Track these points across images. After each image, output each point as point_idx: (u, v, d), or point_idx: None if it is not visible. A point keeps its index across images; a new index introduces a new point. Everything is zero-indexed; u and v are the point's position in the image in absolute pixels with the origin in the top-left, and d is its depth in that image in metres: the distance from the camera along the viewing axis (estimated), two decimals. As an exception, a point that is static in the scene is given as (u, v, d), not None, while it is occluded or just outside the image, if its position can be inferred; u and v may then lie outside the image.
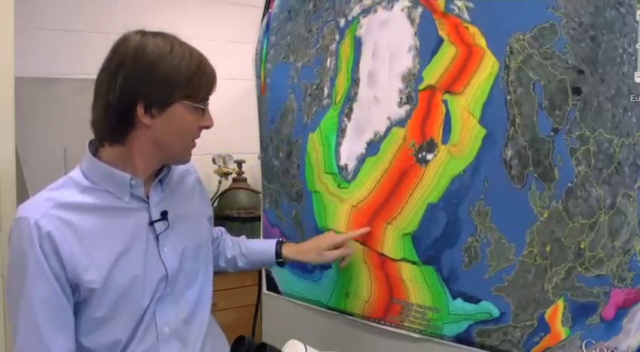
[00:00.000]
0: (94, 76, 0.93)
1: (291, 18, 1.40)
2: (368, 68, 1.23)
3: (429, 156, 1.12)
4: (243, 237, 1.29)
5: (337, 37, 1.28)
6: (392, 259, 1.20)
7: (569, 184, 0.99)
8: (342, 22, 1.27)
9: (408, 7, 1.15)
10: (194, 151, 1.00)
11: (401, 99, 1.17)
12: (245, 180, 2.43)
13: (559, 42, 0.98)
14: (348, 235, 1.24)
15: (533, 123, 1.01)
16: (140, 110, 0.89)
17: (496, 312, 1.08)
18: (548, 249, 1.02)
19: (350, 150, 1.26)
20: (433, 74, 1.12)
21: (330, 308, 1.36)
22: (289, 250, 1.23)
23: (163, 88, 0.89)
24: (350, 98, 1.26)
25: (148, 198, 0.97)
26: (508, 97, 1.03)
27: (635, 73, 0.96)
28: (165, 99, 0.90)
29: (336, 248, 1.21)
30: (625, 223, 0.98)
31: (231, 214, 2.31)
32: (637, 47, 0.96)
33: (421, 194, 1.14)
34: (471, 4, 1.06)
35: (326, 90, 1.31)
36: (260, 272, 1.56)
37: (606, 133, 0.97)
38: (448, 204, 1.11)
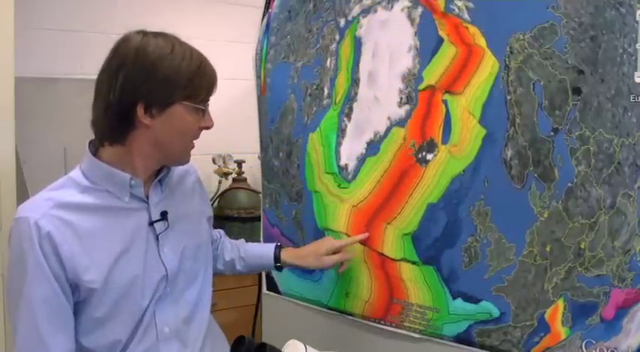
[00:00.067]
0: (94, 76, 0.93)
1: (291, 18, 1.40)
2: (368, 68, 1.23)
3: (429, 156, 1.12)
4: (242, 241, 1.29)
5: (337, 37, 1.28)
6: (392, 259, 1.20)
7: (569, 184, 0.99)
8: (342, 22, 1.28)
9: (408, 7, 1.15)
10: (194, 151, 1.00)
11: (401, 99, 1.17)
12: (245, 180, 2.44)
13: (559, 42, 0.98)
14: (347, 240, 1.24)
15: (533, 123, 1.01)
16: (140, 110, 0.89)
17: (496, 312, 1.08)
18: (548, 249, 1.02)
19: (350, 150, 1.26)
20: (433, 74, 1.12)
21: (330, 308, 1.36)
22: (288, 255, 1.23)
23: (164, 89, 0.89)
24: (350, 98, 1.26)
25: (147, 198, 0.97)
26: (508, 97, 1.03)
27: (635, 73, 0.96)
28: (165, 99, 0.90)
29: (334, 253, 1.21)
30: (625, 223, 0.98)
31: (231, 214, 2.31)
32: (637, 47, 0.96)
33: (421, 194, 1.14)
34: (471, 4, 1.07)
35: (326, 90, 1.31)
36: (260, 272, 1.56)
37: (606, 133, 0.97)
38: (448, 204, 1.11)
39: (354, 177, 1.25)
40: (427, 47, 1.12)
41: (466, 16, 1.07)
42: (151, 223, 0.97)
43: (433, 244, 1.14)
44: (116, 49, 0.91)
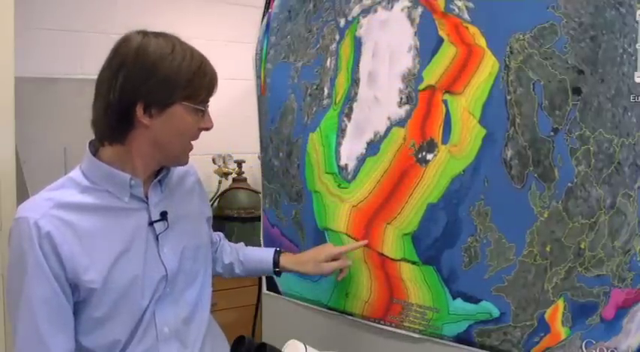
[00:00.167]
0: (94, 76, 0.93)
1: (291, 18, 1.40)
2: (368, 68, 1.23)
3: (429, 156, 1.12)
4: (241, 244, 1.29)
5: (337, 37, 1.28)
6: (392, 259, 1.20)
7: (569, 184, 0.99)
8: (342, 22, 1.28)
9: (408, 7, 1.15)
10: (194, 151, 1.00)
11: (401, 99, 1.17)
12: (245, 180, 2.44)
13: (559, 42, 0.98)
14: (346, 247, 1.24)
15: (533, 123, 1.01)
16: (139, 110, 0.89)
17: (496, 312, 1.08)
18: (548, 249, 1.02)
19: (350, 150, 1.26)
20: (433, 74, 1.12)
21: (330, 308, 1.36)
22: (287, 260, 1.23)
23: (163, 89, 0.89)
24: (350, 98, 1.26)
25: (147, 198, 0.97)
26: (508, 97, 1.03)
27: (635, 73, 0.96)
28: (165, 99, 0.90)
29: (333, 259, 1.21)
30: (625, 223, 0.98)
31: (231, 214, 2.31)
32: (637, 47, 0.96)
33: (421, 194, 1.14)
34: (471, 4, 1.07)
35: (326, 90, 1.31)
36: (258, 276, 1.56)
37: (606, 133, 0.97)
38: (448, 204, 1.11)
39: (354, 177, 1.25)
40: (427, 47, 1.12)
41: (466, 16, 1.07)
42: (151, 223, 0.97)
43: (433, 244, 1.14)
44: (117, 48, 0.91)
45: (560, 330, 1.03)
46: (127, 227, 0.94)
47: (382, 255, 1.21)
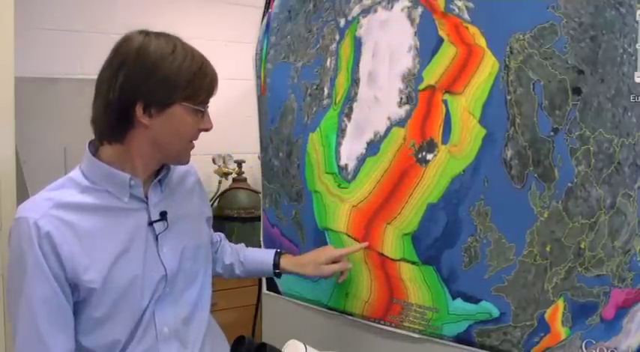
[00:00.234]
0: (94, 76, 0.93)
1: (291, 18, 1.40)
2: (368, 68, 1.23)
3: (429, 156, 1.12)
4: (242, 245, 1.29)
5: (337, 37, 1.28)
6: (392, 259, 1.20)
7: (569, 184, 0.99)
8: (342, 22, 1.27)
9: (408, 7, 1.15)
10: (194, 151, 1.00)
11: (401, 99, 1.17)
12: (245, 180, 2.44)
13: (559, 42, 0.98)
14: (347, 250, 1.23)
15: (533, 123, 1.01)
16: (139, 110, 0.89)
17: (496, 312, 1.08)
18: (548, 249, 1.02)
19: (350, 150, 1.26)
20: (433, 74, 1.12)
21: (330, 308, 1.36)
22: (287, 262, 1.23)
23: (163, 89, 0.89)
24: (350, 98, 1.26)
25: (147, 198, 0.97)
26: (508, 97, 1.03)
27: (635, 73, 0.96)
28: (164, 99, 0.90)
29: (334, 262, 1.21)
30: (625, 223, 0.98)
31: (231, 214, 2.31)
32: (637, 47, 0.96)
33: (421, 194, 1.14)
34: (471, 4, 1.06)
35: (326, 90, 1.31)
36: (258, 277, 1.56)
37: (606, 133, 0.97)
38: (448, 204, 1.11)
39: (354, 177, 1.25)
40: (427, 47, 1.12)
41: (466, 16, 1.07)
42: (151, 223, 0.97)
43: (433, 244, 1.14)
44: (117, 48, 0.91)
45: (560, 330, 1.03)
46: (127, 227, 0.94)
47: (382, 255, 1.21)
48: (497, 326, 1.08)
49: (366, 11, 1.23)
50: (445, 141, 1.10)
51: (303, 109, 1.35)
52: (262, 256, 1.25)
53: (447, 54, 1.09)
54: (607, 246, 0.98)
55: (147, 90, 0.89)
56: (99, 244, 0.91)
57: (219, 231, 1.29)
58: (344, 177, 1.27)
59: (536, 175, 1.01)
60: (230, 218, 2.30)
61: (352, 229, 1.25)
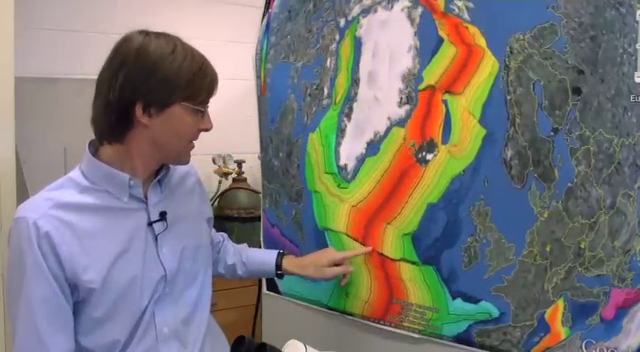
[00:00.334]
0: (94, 76, 0.93)
1: (291, 18, 1.40)
2: (368, 68, 1.23)
3: (429, 156, 1.12)
4: (244, 245, 1.29)
5: (337, 37, 1.28)
6: (392, 259, 1.20)
7: (569, 184, 0.99)
8: (342, 22, 1.27)
9: (408, 7, 1.15)
10: (194, 151, 1.00)
11: (401, 99, 1.17)
12: (245, 180, 2.44)
13: (559, 42, 0.98)
14: (349, 253, 1.23)
15: (533, 123, 1.01)
16: (139, 110, 0.89)
17: (496, 312, 1.08)
18: (548, 249, 1.02)
19: (350, 150, 1.26)
20: (433, 74, 1.11)
21: (330, 308, 1.36)
22: (289, 263, 1.23)
23: (163, 89, 0.89)
24: (350, 98, 1.26)
25: (146, 198, 0.97)
26: (508, 97, 1.03)
27: (635, 73, 0.96)
28: (164, 99, 0.90)
29: (336, 264, 1.21)
30: (625, 223, 0.98)
31: (231, 214, 2.31)
32: (637, 47, 0.96)
33: (421, 194, 1.14)
34: (471, 4, 1.06)
35: (326, 90, 1.31)
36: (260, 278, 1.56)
37: (606, 133, 0.97)
38: (448, 204, 1.11)
39: (354, 177, 1.25)
40: (427, 47, 1.12)
41: (466, 16, 1.07)
42: (150, 223, 0.97)
43: (433, 244, 1.14)
44: (118, 48, 0.91)
45: (560, 330, 1.03)
46: (126, 227, 0.94)
47: (382, 255, 1.21)
48: (497, 326, 1.08)
49: (366, 11, 1.23)
50: (445, 141, 1.10)
51: (303, 109, 1.35)
52: (265, 257, 1.25)
53: (447, 54, 1.09)
54: (607, 246, 0.98)
55: (146, 90, 0.89)
56: (98, 244, 0.91)
57: (220, 231, 1.29)
58: (343, 177, 1.27)
59: (536, 175, 1.01)
60: (230, 218, 2.30)
61: (352, 229, 1.25)
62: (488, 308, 1.08)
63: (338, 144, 1.28)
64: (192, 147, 0.99)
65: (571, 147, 0.98)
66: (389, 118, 1.19)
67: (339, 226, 1.28)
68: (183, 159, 1.00)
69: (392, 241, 1.19)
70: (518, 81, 1.02)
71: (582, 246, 0.99)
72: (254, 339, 1.05)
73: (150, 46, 0.89)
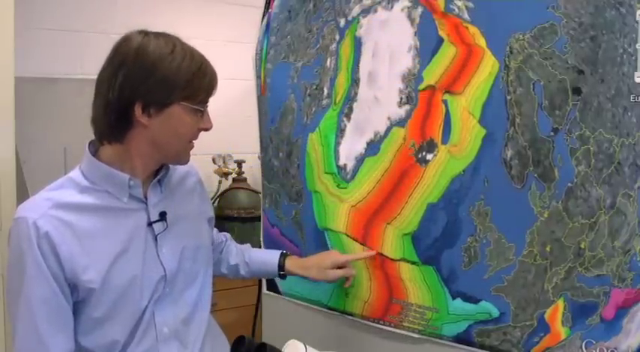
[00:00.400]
0: (94, 76, 0.93)
1: (291, 18, 1.40)
2: (368, 68, 1.23)
3: (429, 156, 1.12)
4: (247, 245, 1.29)
5: (337, 37, 1.28)
6: (391, 259, 1.20)
7: (569, 184, 0.99)
8: (342, 22, 1.27)
9: (408, 7, 1.15)
10: (194, 151, 1.00)
11: (401, 99, 1.17)
12: (245, 180, 2.44)
13: (559, 42, 0.98)
14: (352, 256, 1.23)
15: (533, 123, 1.01)
16: (138, 110, 0.89)
17: (495, 312, 1.08)
18: (548, 249, 1.02)
19: (349, 150, 1.26)
20: (433, 74, 1.11)
21: (330, 308, 1.36)
22: (292, 263, 1.23)
23: (162, 89, 0.89)
24: (350, 98, 1.26)
25: (146, 198, 0.97)
26: (508, 97, 1.03)
27: (635, 73, 0.96)
28: (163, 99, 0.90)
29: (339, 267, 1.21)
30: (625, 223, 0.98)
31: (231, 214, 2.31)
32: (637, 47, 0.96)
33: (421, 194, 1.14)
34: (470, 4, 1.06)
35: (326, 91, 1.31)
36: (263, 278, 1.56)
37: (606, 133, 0.97)
38: (448, 204, 1.11)
39: (353, 177, 1.25)
40: (427, 47, 1.12)
41: (466, 16, 1.07)
42: (150, 224, 0.97)
43: (433, 244, 1.14)
44: (117, 48, 0.91)
45: (560, 330, 1.02)
46: (126, 227, 0.94)
47: (382, 255, 1.21)
48: (496, 326, 1.08)
49: (366, 11, 1.23)
50: (445, 141, 1.10)
51: (303, 109, 1.35)
52: (267, 257, 1.25)
53: (447, 54, 1.09)
54: (607, 246, 0.98)
55: (145, 90, 0.89)
56: (98, 244, 0.91)
57: (220, 232, 1.29)
58: (343, 177, 1.27)
59: (536, 175, 1.01)
60: (230, 218, 2.30)
61: (351, 229, 1.25)
62: (488, 308, 1.08)
63: (337, 144, 1.28)
64: (192, 146, 0.99)
65: (571, 147, 0.98)
66: (389, 118, 1.19)
67: (338, 226, 1.28)
68: (183, 158, 1.00)
69: (392, 241, 1.19)
70: (518, 81, 1.02)
71: (582, 246, 0.99)
72: (254, 339, 1.05)
73: (149, 46, 0.89)
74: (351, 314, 1.31)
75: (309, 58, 1.34)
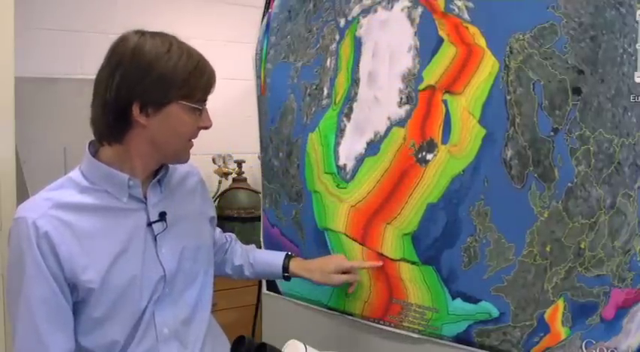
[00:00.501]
0: (94, 76, 0.93)
1: (291, 18, 1.40)
2: (368, 68, 1.23)
3: (429, 156, 1.12)
4: (252, 246, 1.29)
5: (337, 37, 1.28)
6: (391, 259, 1.20)
7: (569, 184, 0.99)
8: (342, 22, 1.27)
9: (408, 7, 1.15)
10: (194, 151, 1.00)
11: (401, 99, 1.17)
12: (245, 180, 2.44)
13: (559, 42, 0.98)
14: (357, 263, 1.22)
15: (533, 123, 1.01)
16: (136, 109, 0.89)
17: (495, 312, 1.08)
18: (548, 249, 1.02)
19: (349, 150, 1.26)
20: (433, 74, 1.11)
21: (330, 308, 1.36)
22: (296, 265, 1.23)
23: (159, 88, 0.89)
24: (350, 98, 1.26)
25: (146, 198, 0.97)
26: (508, 97, 1.03)
27: (635, 73, 0.96)
28: (161, 99, 0.90)
29: (343, 272, 1.20)
30: (625, 223, 0.98)
31: (231, 214, 2.31)
32: (637, 47, 0.96)
33: (421, 194, 1.14)
34: (470, 4, 1.06)
35: (325, 91, 1.31)
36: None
37: (606, 133, 0.97)
38: (448, 204, 1.11)
39: (352, 177, 1.25)
40: (427, 47, 1.12)
41: (466, 16, 1.07)
42: (150, 224, 0.97)
43: (433, 244, 1.13)
44: (114, 48, 0.91)
45: (560, 330, 1.02)
46: (126, 227, 0.94)
47: (382, 255, 1.21)
48: (496, 326, 1.08)
49: (366, 11, 1.23)
50: (445, 141, 1.10)
51: (303, 109, 1.35)
52: (272, 259, 1.25)
53: (447, 54, 1.09)
54: (607, 246, 0.98)
55: (142, 89, 0.89)
56: (97, 244, 0.91)
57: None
58: (342, 177, 1.27)
59: (536, 175, 1.01)
60: (230, 218, 2.30)
61: (350, 229, 1.25)
62: (488, 308, 1.08)
63: (337, 144, 1.28)
64: (192, 145, 0.99)
65: (571, 147, 0.98)
66: (389, 118, 1.19)
67: (338, 226, 1.28)
68: (183, 157, 1.00)
69: (392, 241, 1.19)
70: (518, 81, 1.01)
71: (582, 246, 0.99)
72: (254, 339, 1.05)
73: (145, 45, 0.89)
74: (351, 314, 1.31)
75: (309, 58, 1.34)
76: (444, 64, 1.10)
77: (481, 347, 1.10)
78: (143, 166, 0.96)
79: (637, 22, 0.96)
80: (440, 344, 1.16)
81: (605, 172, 0.97)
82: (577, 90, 0.97)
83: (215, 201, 2.36)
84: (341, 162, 1.27)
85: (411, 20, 1.15)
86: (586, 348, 1.00)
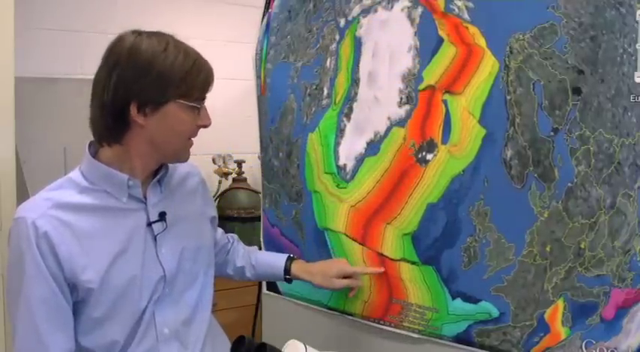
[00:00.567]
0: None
1: (291, 18, 1.40)
2: (368, 68, 1.23)
3: (429, 156, 1.12)
4: (254, 248, 1.29)
5: (337, 37, 1.28)
6: (391, 259, 1.20)
7: (569, 184, 0.99)
8: (342, 22, 1.27)
9: (408, 7, 1.15)
10: (194, 151, 1.00)
11: (401, 99, 1.17)
12: (245, 180, 2.44)
13: (559, 42, 0.98)
14: (360, 269, 1.22)
15: (533, 123, 1.01)
16: (133, 109, 0.89)
17: (495, 312, 1.08)
18: (548, 249, 1.02)
19: (349, 150, 1.26)
20: (433, 74, 1.11)
21: (330, 308, 1.36)
22: (298, 268, 1.22)
23: (156, 87, 0.89)
24: (350, 98, 1.26)
25: (146, 198, 0.97)
26: (508, 97, 1.03)
27: (635, 73, 0.96)
28: (158, 98, 0.90)
29: (345, 277, 1.20)
30: (625, 223, 0.98)
31: (231, 214, 2.31)
32: (637, 47, 0.96)
33: (421, 194, 1.14)
34: (470, 4, 1.06)
35: (325, 91, 1.31)
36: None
37: (606, 133, 0.97)
38: (448, 204, 1.11)
39: (352, 177, 1.25)
40: (427, 47, 1.12)
41: (466, 16, 1.07)
42: (149, 224, 0.97)
43: (433, 244, 1.13)
44: (111, 48, 0.91)
45: (560, 330, 1.02)
46: (125, 227, 0.94)
47: (382, 255, 1.21)
48: (496, 326, 1.08)
49: (366, 11, 1.23)
50: (445, 141, 1.10)
51: (303, 109, 1.35)
52: (274, 260, 1.25)
53: (447, 54, 1.09)
54: (607, 246, 0.98)
55: (139, 89, 0.89)
56: (97, 244, 0.91)
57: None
58: (342, 177, 1.27)
59: (536, 175, 1.01)
60: (230, 218, 2.30)
61: (350, 229, 1.25)
62: (487, 308, 1.08)
63: (337, 144, 1.28)
64: (191, 144, 0.99)
65: (571, 147, 0.98)
66: (389, 118, 1.18)
67: (338, 226, 1.28)
68: (182, 157, 1.00)
69: (392, 241, 1.19)
70: (518, 81, 1.01)
71: (582, 246, 0.99)
72: (254, 339, 1.05)
73: (142, 45, 0.89)
74: (351, 314, 1.31)
75: (309, 58, 1.34)
76: (444, 64, 1.10)
77: (481, 347, 1.10)
78: (143, 166, 0.96)
79: (637, 22, 0.96)
80: (440, 344, 1.16)
81: (605, 172, 0.97)
82: (577, 91, 0.97)
83: (215, 201, 2.36)
84: (341, 162, 1.27)
85: (411, 20, 1.15)
86: (586, 348, 1.00)
